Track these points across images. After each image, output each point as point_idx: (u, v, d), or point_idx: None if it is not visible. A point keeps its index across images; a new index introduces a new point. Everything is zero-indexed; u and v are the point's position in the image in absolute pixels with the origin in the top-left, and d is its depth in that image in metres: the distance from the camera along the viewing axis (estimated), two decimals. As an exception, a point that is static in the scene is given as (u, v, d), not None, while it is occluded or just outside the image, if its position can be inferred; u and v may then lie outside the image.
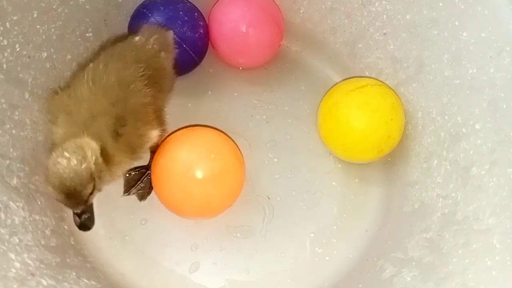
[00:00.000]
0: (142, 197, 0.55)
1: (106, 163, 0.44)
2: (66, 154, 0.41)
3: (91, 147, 0.42)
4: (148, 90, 0.49)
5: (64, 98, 0.47)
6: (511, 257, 0.37)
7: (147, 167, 0.55)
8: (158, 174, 0.52)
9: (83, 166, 0.41)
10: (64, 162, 0.41)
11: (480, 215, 0.42)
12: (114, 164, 0.46)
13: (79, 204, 0.43)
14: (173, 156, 0.51)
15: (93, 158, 0.42)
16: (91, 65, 0.49)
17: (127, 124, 0.46)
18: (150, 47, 0.52)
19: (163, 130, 0.52)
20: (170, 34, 0.55)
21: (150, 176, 0.54)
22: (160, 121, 0.52)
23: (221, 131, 0.56)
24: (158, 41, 0.53)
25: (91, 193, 0.43)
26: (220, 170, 0.51)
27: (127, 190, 0.55)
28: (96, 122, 0.44)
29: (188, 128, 0.57)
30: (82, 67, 0.52)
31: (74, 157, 0.41)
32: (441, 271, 0.42)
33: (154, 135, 0.50)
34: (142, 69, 0.49)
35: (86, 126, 0.44)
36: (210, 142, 0.53)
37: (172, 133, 0.55)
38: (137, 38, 0.53)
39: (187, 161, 0.50)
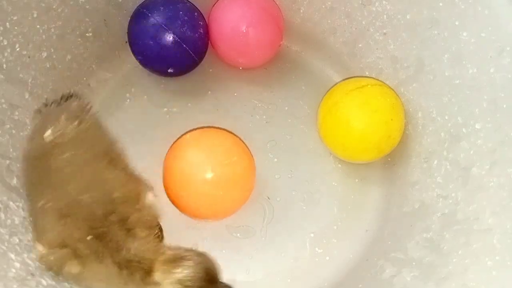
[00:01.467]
0: None
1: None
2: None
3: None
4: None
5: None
6: (511, 257, 0.37)
7: None
8: (172, 175, 0.52)
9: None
10: None
11: (481, 215, 0.42)
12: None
13: None
14: (189, 158, 0.51)
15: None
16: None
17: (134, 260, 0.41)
18: (69, 129, 0.44)
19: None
20: (75, 102, 0.49)
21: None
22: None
23: (234, 134, 0.56)
24: (69, 117, 0.46)
25: None
26: (238, 174, 0.51)
27: None
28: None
29: (204, 129, 0.57)
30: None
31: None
32: (441, 271, 0.42)
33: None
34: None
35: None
36: (227, 145, 0.53)
37: (186, 133, 0.55)
38: (47, 133, 0.44)
39: (205, 164, 0.50)
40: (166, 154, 0.54)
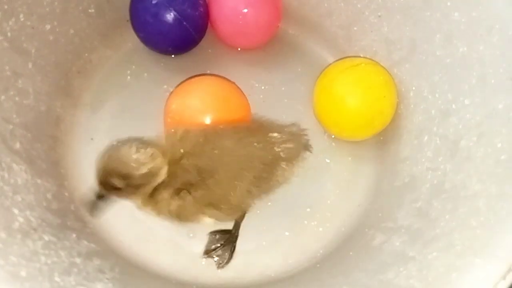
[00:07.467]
0: (219, 265, 0.52)
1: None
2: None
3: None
4: None
5: None
6: (494, 217, 0.38)
7: (230, 233, 0.53)
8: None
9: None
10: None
11: (468, 183, 0.44)
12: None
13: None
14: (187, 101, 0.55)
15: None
16: None
17: None
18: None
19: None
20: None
21: (232, 245, 0.53)
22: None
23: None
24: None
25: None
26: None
27: (208, 252, 0.53)
28: None
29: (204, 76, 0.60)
30: None
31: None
32: (429, 234, 0.43)
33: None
34: None
35: None
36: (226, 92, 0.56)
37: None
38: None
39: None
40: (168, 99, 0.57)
